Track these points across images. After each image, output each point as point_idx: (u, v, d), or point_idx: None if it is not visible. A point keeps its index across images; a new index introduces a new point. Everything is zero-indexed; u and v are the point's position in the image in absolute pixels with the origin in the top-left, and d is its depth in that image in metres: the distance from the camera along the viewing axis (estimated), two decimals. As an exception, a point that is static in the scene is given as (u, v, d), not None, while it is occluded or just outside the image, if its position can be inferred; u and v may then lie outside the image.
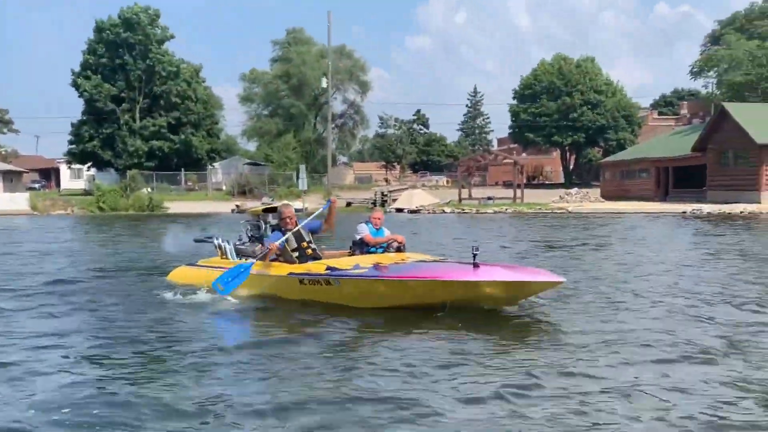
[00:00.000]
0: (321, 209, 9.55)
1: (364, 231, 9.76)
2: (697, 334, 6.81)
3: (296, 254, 9.07)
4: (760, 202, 36.44)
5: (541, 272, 7.95)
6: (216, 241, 10.44)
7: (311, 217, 9.52)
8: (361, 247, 9.64)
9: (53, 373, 5.71)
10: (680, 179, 46.34)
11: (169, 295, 9.33)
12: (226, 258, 10.18)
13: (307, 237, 9.27)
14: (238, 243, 10.43)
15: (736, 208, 34.64)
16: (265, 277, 8.99)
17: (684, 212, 34.62)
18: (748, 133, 38.13)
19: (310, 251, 9.20)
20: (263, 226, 10.47)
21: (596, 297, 9.08)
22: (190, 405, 4.90)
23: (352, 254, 9.58)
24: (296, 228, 9.18)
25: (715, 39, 71.03)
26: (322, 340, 6.79)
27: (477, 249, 7.59)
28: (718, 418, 4.57)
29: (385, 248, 9.66)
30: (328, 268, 8.41)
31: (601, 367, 5.70)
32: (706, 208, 35.35)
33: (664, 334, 6.82)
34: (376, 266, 8.31)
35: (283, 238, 9.02)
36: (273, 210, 10.63)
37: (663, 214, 34.11)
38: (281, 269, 8.92)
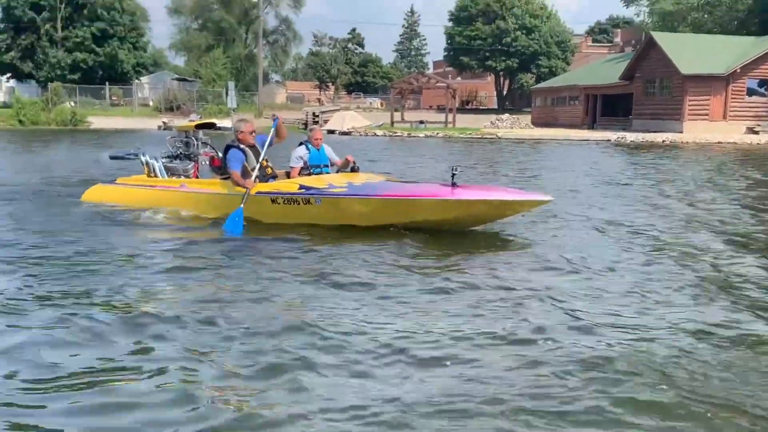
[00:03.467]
0: (270, 133, 8.88)
1: (301, 156, 9.14)
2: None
3: (255, 173, 8.62)
4: (682, 132, 37.56)
5: (524, 192, 8.05)
6: (143, 158, 9.81)
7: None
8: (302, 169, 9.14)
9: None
10: (608, 107, 47.17)
11: (91, 219, 8.84)
12: (155, 176, 9.72)
13: (265, 155, 8.82)
14: (165, 161, 9.91)
15: (659, 137, 35.63)
16: (226, 197, 8.50)
17: (609, 140, 35.54)
18: (673, 63, 38.93)
19: (270, 170, 8.86)
20: (194, 142, 9.92)
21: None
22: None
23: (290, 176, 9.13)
24: (262, 150, 8.70)
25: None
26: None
27: (456, 169, 7.48)
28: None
29: (339, 168, 9.28)
30: (302, 187, 8.19)
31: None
32: (630, 136, 36.31)
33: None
34: (351, 185, 8.12)
35: (256, 172, 8.52)
36: (207, 126, 10.25)
37: (588, 142, 34.97)
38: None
